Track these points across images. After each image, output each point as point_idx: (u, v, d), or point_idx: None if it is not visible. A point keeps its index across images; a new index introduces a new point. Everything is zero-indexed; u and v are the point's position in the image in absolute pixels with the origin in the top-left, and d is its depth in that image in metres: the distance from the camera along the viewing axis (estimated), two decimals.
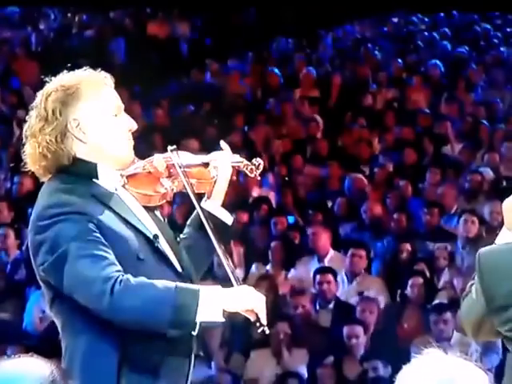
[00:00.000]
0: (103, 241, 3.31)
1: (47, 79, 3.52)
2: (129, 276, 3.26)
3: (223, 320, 3.32)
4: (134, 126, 3.53)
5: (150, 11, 16.60)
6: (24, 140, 3.49)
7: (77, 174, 3.45)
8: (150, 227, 3.49)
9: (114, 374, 3.35)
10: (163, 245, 3.48)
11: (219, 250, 3.51)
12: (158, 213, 3.63)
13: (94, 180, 3.46)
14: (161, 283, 3.27)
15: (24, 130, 3.50)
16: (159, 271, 3.39)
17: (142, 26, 16.03)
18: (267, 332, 3.39)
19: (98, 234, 3.32)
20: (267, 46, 15.34)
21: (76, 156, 3.45)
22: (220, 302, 3.29)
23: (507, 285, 3.52)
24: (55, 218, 3.32)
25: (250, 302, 3.33)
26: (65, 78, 3.49)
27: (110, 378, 3.36)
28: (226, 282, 3.56)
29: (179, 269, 3.48)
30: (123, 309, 3.27)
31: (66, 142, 3.44)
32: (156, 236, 3.43)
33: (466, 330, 3.85)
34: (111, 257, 3.30)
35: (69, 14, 16.00)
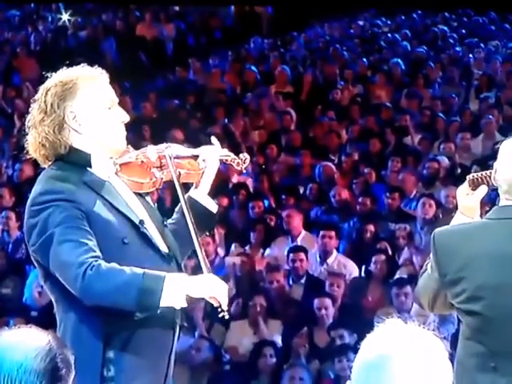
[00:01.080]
0: (87, 228, 3.30)
1: (48, 75, 3.50)
2: (101, 262, 3.25)
3: (185, 305, 3.30)
4: (127, 118, 3.52)
5: (139, 14, 16.55)
6: (26, 130, 3.48)
7: (72, 162, 3.44)
8: (139, 213, 3.47)
9: (100, 346, 3.35)
10: (150, 229, 3.46)
11: (195, 239, 3.49)
12: (148, 199, 3.61)
13: (87, 168, 3.44)
14: (130, 269, 3.26)
15: (27, 121, 3.49)
16: (144, 254, 3.38)
17: (131, 28, 15.98)
18: (227, 317, 3.38)
19: (84, 221, 3.31)
20: (245, 45, 15.32)
21: (72, 146, 3.45)
22: (183, 288, 3.27)
23: (458, 261, 3.53)
24: (46, 204, 3.33)
25: (212, 289, 3.32)
26: (63, 74, 3.48)
27: (96, 350, 3.35)
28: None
29: (164, 251, 3.46)
30: (93, 292, 3.27)
31: (63, 133, 3.43)
32: (142, 221, 3.42)
33: (423, 304, 3.84)
34: (91, 243, 3.29)
35: (65, 17, 15.89)
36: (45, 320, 6.91)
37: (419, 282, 3.81)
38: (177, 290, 3.25)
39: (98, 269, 3.23)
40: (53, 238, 3.28)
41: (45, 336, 2.18)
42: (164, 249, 3.49)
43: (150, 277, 3.25)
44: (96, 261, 3.25)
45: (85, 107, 3.44)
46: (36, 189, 3.41)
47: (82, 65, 3.52)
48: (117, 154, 3.51)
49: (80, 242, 3.27)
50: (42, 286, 7.48)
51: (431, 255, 3.67)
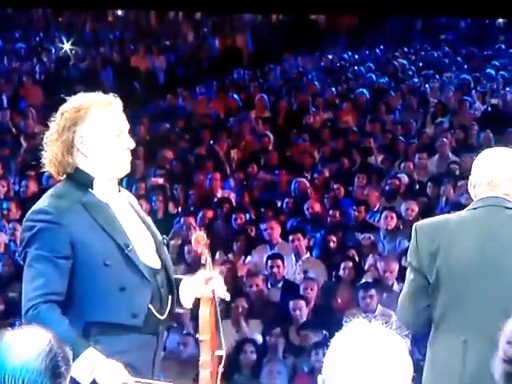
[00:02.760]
0: (59, 254, 3.23)
1: (66, 98, 3.43)
2: (42, 307, 3.18)
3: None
4: (132, 145, 3.42)
5: (133, 47, 16.53)
6: (44, 146, 3.42)
7: (76, 181, 3.37)
8: (132, 235, 3.35)
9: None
10: (140, 250, 3.34)
11: None
12: (149, 219, 3.51)
13: (90, 189, 3.37)
14: (65, 327, 3.14)
15: (44, 138, 3.42)
16: (123, 275, 3.27)
17: (126, 60, 15.94)
18: None
19: (61, 246, 3.24)
20: (228, 76, 15.32)
21: (78, 167, 3.37)
22: (92, 372, 3.12)
23: (437, 239, 3.55)
24: (35, 222, 3.28)
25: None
26: (78, 99, 3.41)
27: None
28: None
29: (155, 267, 3.36)
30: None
31: (71, 154, 3.37)
32: (127, 245, 3.29)
33: (405, 321, 3.70)
34: (53, 274, 3.21)
35: (66, 46, 15.83)
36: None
37: (399, 302, 3.76)
38: (87, 366, 3.11)
39: (37, 315, 3.18)
40: (27, 257, 3.29)
41: (46, 336, 2.10)
42: (155, 265, 3.38)
43: (74, 345, 2.96)
44: (44, 302, 3.18)
45: (93, 133, 3.36)
46: (36, 205, 3.37)
47: (96, 92, 3.44)
48: (119, 176, 3.43)
49: (41, 274, 3.22)
50: None
51: (411, 244, 3.66)
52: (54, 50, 16.18)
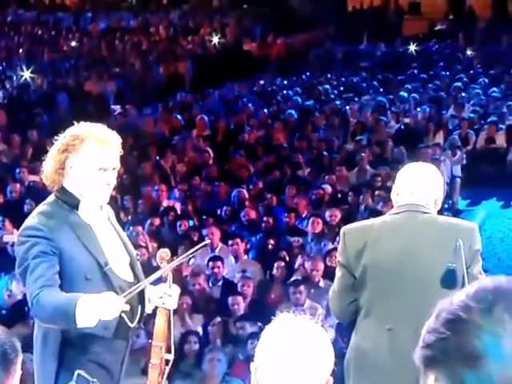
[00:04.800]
0: (52, 261, 3.26)
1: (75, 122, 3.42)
2: (44, 292, 3.19)
3: (94, 324, 3.13)
4: (113, 182, 3.42)
5: (86, 74, 16.41)
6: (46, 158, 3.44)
7: (64, 202, 3.38)
8: (110, 253, 3.39)
9: (57, 349, 3.31)
10: (117, 266, 3.39)
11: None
12: (127, 239, 3.55)
13: (75, 210, 3.38)
14: (61, 296, 3.19)
15: (50, 150, 3.43)
16: (102, 288, 3.29)
17: (80, 85, 15.81)
18: (132, 326, 3.33)
19: (53, 256, 3.27)
20: (172, 98, 15.30)
21: (66, 188, 3.39)
22: (92, 309, 3.11)
23: (363, 239, 3.64)
24: (30, 237, 3.30)
25: (112, 306, 3.15)
26: (78, 129, 3.40)
27: (55, 351, 3.32)
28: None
29: (129, 280, 3.41)
30: (39, 318, 3.28)
31: (62, 175, 3.38)
32: (106, 263, 3.35)
33: (335, 312, 3.84)
34: (49, 273, 3.24)
35: (26, 74, 15.65)
36: (13, 317, 6.78)
37: (330, 296, 3.82)
38: (86, 311, 3.12)
39: (38, 300, 3.19)
40: (27, 268, 3.27)
41: (2, 338, 2.08)
42: (128, 279, 3.43)
43: (70, 302, 3.13)
44: (42, 290, 3.20)
45: (81, 163, 3.35)
46: (27, 221, 3.38)
47: (100, 125, 3.42)
48: (98, 204, 3.43)
49: (40, 275, 3.23)
50: (10, 291, 7.32)
51: (340, 245, 3.73)
52: (15, 78, 16.00)
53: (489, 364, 1.21)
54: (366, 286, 3.61)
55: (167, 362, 3.41)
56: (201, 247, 3.50)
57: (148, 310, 3.52)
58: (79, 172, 3.35)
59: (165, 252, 3.48)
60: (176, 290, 3.45)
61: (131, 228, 8.73)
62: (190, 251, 3.49)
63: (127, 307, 3.18)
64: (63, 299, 3.15)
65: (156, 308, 3.46)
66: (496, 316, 1.23)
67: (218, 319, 7.13)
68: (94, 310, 3.09)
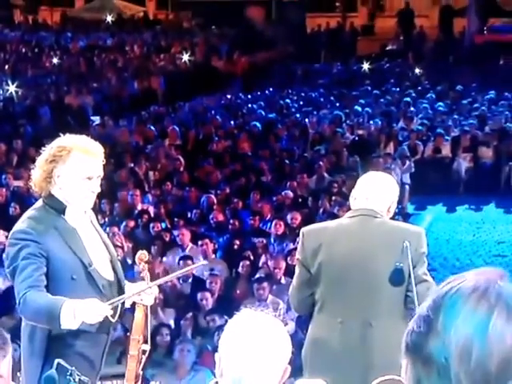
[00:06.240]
0: (39, 264, 3.25)
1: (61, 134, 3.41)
2: (30, 292, 3.19)
3: (76, 327, 3.15)
4: (97, 190, 3.41)
5: (66, 88, 16.31)
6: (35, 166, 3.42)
7: (51, 207, 3.38)
8: (93, 255, 3.39)
9: (44, 345, 3.32)
10: (100, 267, 3.39)
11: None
12: (109, 241, 3.55)
13: (62, 215, 3.38)
14: (47, 298, 3.18)
15: (37, 160, 3.41)
16: (87, 288, 3.32)
17: (61, 98, 15.71)
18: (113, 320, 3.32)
19: (41, 258, 3.26)
20: (146, 111, 15.27)
21: (53, 194, 3.38)
22: (75, 313, 3.13)
23: (318, 239, 3.68)
24: (20, 240, 3.29)
25: (95, 311, 3.16)
26: (66, 140, 3.39)
27: (42, 346, 3.31)
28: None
29: (110, 279, 3.42)
30: (25, 316, 3.28)
31: (49, 183, 3.37)
32: (90, 263, 3.35)
33: (294, 305, 3.87)
34: (36, 274, 3.23)
35: (12, 89, 15.50)
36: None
37: (289, 291, 3.86)
38: (70, 315, 3.13)
39: (24, 300, 3.19)
40: (17, 268, 3.26)
41: None
42: (110, 278, 3.43)
43: (56, 304, 3.14)
44: (29, 291, 3.19)
45: (67, 173, 3.35)
46: (17, 225, 3.37)
47: (84, 136, 3.40)
48: (83, 210, 3.43)
49: (28, 275, 3.22)
50: None
51: (299, 244, 3.77)
52: (1, 92, 15.86)
53: (437, 369, 1.17)
54: (320, 282, 3.65)
55: (144, 351, 3.45)
56: (197, 266, 3.56)
57: (127, 304, 3.53)
58: (66, 181, 3.35)
59: (143, 254, 3.52)
60: (154, 288, 3.48)
61: (108, 229, 8.69)
62: (187, 268, 3.59)
63: (111, 313, 3.21)
64: (49, 301, 3.16)
65: (134, 304, 3.47)
66: (443, 321, 1.17)
67: (190, 314, 7.12)
68: (79, 314, 3.10)
